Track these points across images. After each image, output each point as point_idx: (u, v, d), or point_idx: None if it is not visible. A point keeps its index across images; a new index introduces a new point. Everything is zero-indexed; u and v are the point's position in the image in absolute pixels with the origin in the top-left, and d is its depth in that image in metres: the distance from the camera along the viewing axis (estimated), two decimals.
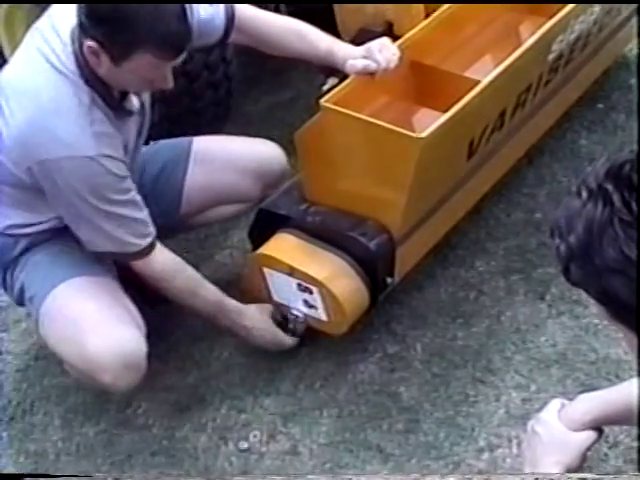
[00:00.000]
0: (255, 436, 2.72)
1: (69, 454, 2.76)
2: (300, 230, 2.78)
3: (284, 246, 2.78)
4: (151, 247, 2.57)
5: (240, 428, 2.75)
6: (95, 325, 2.53)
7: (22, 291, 2.65)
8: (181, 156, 2.89)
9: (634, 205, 1.29)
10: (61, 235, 2.58)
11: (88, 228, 2.50)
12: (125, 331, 2.54)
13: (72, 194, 2.41)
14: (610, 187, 1.32)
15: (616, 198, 1.31)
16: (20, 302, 2.71)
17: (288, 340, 2.82)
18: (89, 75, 2.38)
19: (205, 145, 2.93)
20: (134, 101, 2.55)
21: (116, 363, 2.49)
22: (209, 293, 2.71)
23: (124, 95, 2.50)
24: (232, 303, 2.75)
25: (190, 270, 2.68)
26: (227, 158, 2.90)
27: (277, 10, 3.62)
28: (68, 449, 2.77)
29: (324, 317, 2.75)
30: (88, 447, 2.77)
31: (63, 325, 2.56)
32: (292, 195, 2.87)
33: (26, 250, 2.62)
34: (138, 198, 2.53)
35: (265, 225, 2.85)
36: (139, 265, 2.58)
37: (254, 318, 2.77)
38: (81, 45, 2.34)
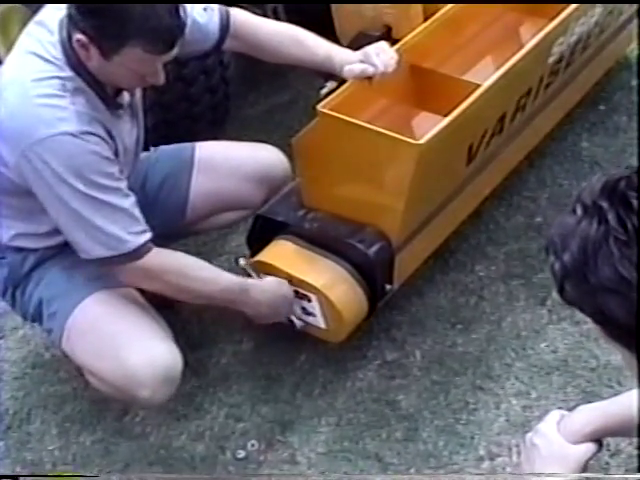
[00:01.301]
0: (253, 445, 2.70)
1: (66, 463, 2.74)
2: (298, 237, 2.76)
3: (282, 253, 2.76)
4: (148, 248, 2.46)
5: (238, 437, 2.73)
6: (132, 340, 2.50)
7: (40, 307, 2.61)
8: (184, 164, 2.86)
9: (629, 223, 1.27)
10: (69, 249, 2.54)
11: (79, 228, 2.40)
12: (162, 345, 2.51)
13: (56, 181, 2.33)
14: (605, 204, 1.30)
15: (611, 216, 1.28)
16: (35, 318, 2.66)
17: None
18: (77, 66, 2.34)
19: (208, 152, 2.90)
20: (127, 98, 2.52)
21: (156, 378, 2.46)
22: (218, 273, 2.62)
23: (117, 92, 2.47)
24: (242, 280, 2.67)
25: (190, 257, 2.60)
26: (231, 165, 2.87)
27: (275, 13, 3.60)
28: (65, 458, 2.75)
29: (322, 325, 2.73)
30: (85, 456, 2.75)
31: (97, 340, 2.52)
32: (290, 201, 2.85)
33: (36, 266, 2.60)
34: (128, 191, 2.44)
35: (263, 231, 2.83)
36: (139, 267, 2.47)
37: (265, 289, 2.68)
38: (70, 38, 2.31)
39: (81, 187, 2.34)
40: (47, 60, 2.35)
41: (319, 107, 2.57)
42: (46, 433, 2.82)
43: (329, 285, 2.68)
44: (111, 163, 2.40)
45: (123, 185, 2.43)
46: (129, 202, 2.43)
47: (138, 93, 2.60)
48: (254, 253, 2.83)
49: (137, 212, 2.45)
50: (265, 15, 3.63)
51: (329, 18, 3.30)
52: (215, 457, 2.69)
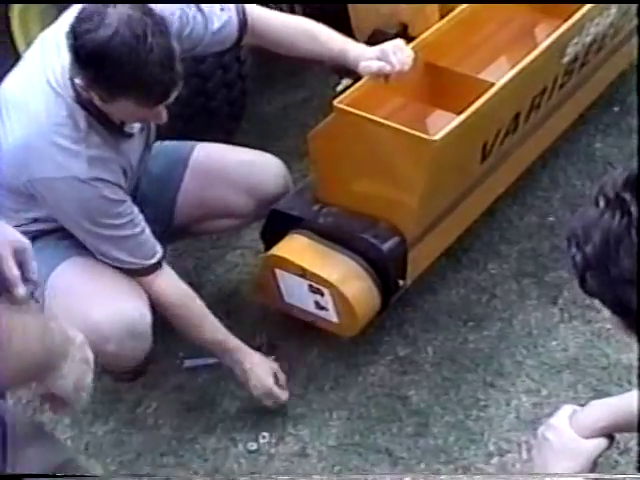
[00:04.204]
0: (264, 437, 2.71)
1: (78, 453, 2.75)
2: (312, 231, 2.77)
3: (296, 247, 2.77)
4: (154, 267, 2.57)
5: (249, 429, 2.74)
6: (99, 296, 2.54)
7: None
8: (179, 164, 2.87)
9: None
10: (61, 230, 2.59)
11: (91, 247, 2.54)
12: (128, 301, 2.55)
13: (64, 215, 2.47)
14: (628, 197, 1.31)
15: (634, 208, 1.29)
16: None
17: (282, 396, 2.73)
18: (85, 102, 2.38)
19: (205, 155, 2.88)
20: (138, 126, 2.56)
21: (120, 331, 2.50)
22: (215, 327, 2.68)
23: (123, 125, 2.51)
24: (238, 343, 2.71)
25: (199, 301, 2.66)
26: (222, 173, 2.85)
27: (292, 11, 3.61)
28: (77, 448, 2.76)
29: (335, 319, 2.74)
30: (97, 446, 2.77)
31: (68, 298, 2.55)
32: (305, 196, 2.86)
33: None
34: (138, 219, 2.53)
35: (277, 226, 2.84)
36: (145, 285, 2.58)
37: (255, 364, 2.69)
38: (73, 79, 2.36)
39: (87, 225, 2.45)
40: (59, 95, 2.38)
41: (335, 102, 2.59)
42: (59, 423, 2.83)
43: (342, 280, 2.69)
44: (121, 203, 2.48)
45: (132, 216, 2.50)
46: (136, 231, 2.51)
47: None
48: (268, 247, 2.84)
49: (145, 237, 2.54)
50: None
51: (345, 16, 3.31)
52: (227, 449, 2.70)
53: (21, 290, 1.88)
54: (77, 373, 1.75)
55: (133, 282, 2.60)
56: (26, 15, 3.45)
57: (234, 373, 2.71)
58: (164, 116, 2.40)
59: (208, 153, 2.90)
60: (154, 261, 2.56)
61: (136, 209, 2.53)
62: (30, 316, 1.75)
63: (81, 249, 2.58)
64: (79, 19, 2.24)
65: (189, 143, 2.91)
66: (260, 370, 2.69)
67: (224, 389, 2.85)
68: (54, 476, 1.79)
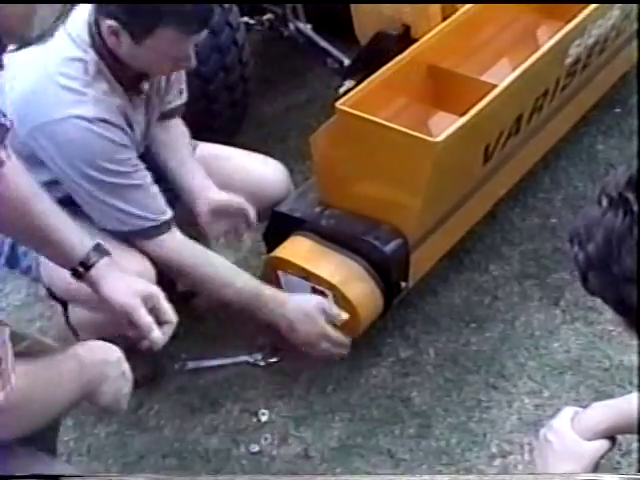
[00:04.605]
0: (266, 439, 2.71)
1: (81, 455, 2.76)
2: (314, 233, 2.77)
3: (298, 249, 2.77)
4: (168, 225, 2.47)
5: (252, 431, 2.74)
6: None
7: (26, 257, 2.59)
8: None
9: None
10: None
11: (95, 203, 2.42)
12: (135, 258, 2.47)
13: (64, 163, 2.35)
14: (631, 196, 1.31)
15: (636, 208, 1.30)
16: (26, 271, 2.63)
17: (343, 338, 2.62)
18: (101, 49, 2.34)
19: (205, 157, 2.84)
20: (146, 86, 2.51)
21: None
22: (245, 277, 2.57)
23: (138, 79, 2.46)
24: (274, 290, 2.60)
25: (218, 255, 2.59)
26: (223, 176, 2.80)
27: (294, 12, 3.62)
28: (80, 450, 2.77)
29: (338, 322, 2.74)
30: (99, 448, 2.77)
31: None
32: (307, 198, 2.86)
33: None
34: (145, 172, 2.45)
35: (280, 227, 2.84)
36: (156, 247, 2.47)
37: (300, 305, 2.59)
38: (97, 23, 2.32)
39: (93, 173, 2.35)
40: (73, 39, 2.35)
41: (337, 104, 2.59)
42: (61, 424, 2.84)
43: (345, 281, 2.69)
44: (127, 149, 2.41)
45: (140, 167, 2.44)
46: (146, 181, 2.44)
47: (156, 84, 2.58)
48: (271, 249, 2.84)
49: (154, 190, 2.46)
50: (284, 15, 3.67)
51: (348, 17, 3.31)
52: (229, 451, 2.70)
53: (155, 334, 1.94)
54: (115, 388, 1.87)
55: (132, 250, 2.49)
56: None
57: (278, 329, 2.60)
58: (194, 59, 2.37)
59: (209, 155, 2.87)
60: (168, 217, 2.47)
61: (142, 165, 2.45)
62: (63, 360, 1.79)
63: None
64: None
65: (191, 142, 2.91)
66: (308, 309, 2.59)
67: (226, 391, 2.85)
68: (55, 476, 1.80)
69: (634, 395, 1.98)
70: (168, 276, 2.76)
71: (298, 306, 2.61)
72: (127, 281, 2.06)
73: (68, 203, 2.36)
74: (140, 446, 2.77)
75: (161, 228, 2.48)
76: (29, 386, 1.62)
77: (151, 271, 2.48)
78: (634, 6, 3.22)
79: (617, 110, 3.64)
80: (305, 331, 2.60)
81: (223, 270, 2.59)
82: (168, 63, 2.40)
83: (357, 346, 2.85)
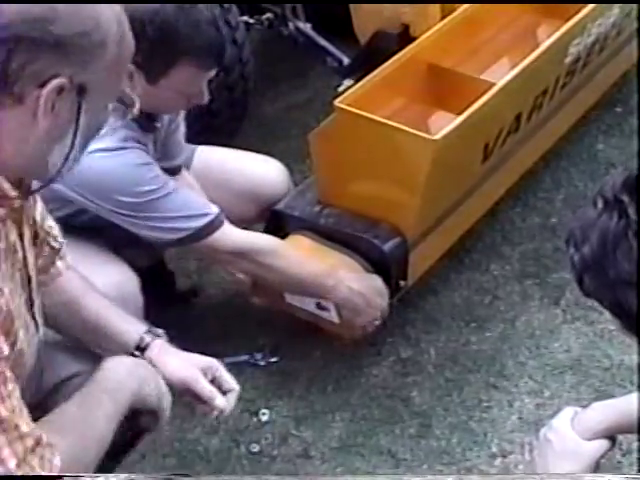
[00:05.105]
0: (267, 439, 2.71)
1: None
2: (313, 232, 2.77)
3: (297, 248, 2.76)
4: (220, 217, 2.46)
5: (252, 431, 2.73)
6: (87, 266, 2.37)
7: None
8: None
9: None
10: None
11: (141, 223, 2.40)
12: (115, 267, 2.47)
13: (102, 199, 2.35)
14: (626, 199, 1.31)
15: (632, 210, 1.29)
16: None
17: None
18: None
19: (205, 159, 2.85)
20: (159, 123, 2.52)
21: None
22: (300, 257, 2.62)
23: (150, 118, 2.46)
24: (326, 267, 2.63)
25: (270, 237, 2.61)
26: (223, 177, 2.82)
27: (294, 12, 3.62)
28: None
29: (337, 320, 2.73)
30: None
31: None
32: (306, 196, 2.86)
33: None
34: (172, 181, 2.46)
35: (279, 226, 2.84)
36: (220, 240, 2.46)
37: (361, 278, 2.65)
38: None
39: (128, 200, 2.35)
40: None
41: (336, 102, 2.58)
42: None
43: None
44: (151, 167, 2.40)
45: (168, 178, 2.44)
46: (177, 187, 2.43)
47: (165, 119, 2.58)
48: None
49: (189, 192, 2.49)
50: (284, 15, 3.67)
51: (347, 17, 3.31)
52: (229, 450, 2.70)
53: (219, 401, 2.04)
54: (153, 387, 1.97)
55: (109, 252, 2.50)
56: None
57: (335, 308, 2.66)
58: (206, 95, 2.39)
59: (209, 157, 2.88)
60: (218, 209, 2.46)
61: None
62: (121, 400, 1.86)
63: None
64: None
65: (190, 146, 2.90)
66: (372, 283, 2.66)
67: None
68: (58, 476, 1.80)
69: (634, 395, 1.97)
70: (170, 277, 2.76)
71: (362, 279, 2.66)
72: (183, 356, 2.11)
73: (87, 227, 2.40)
74: (140, 446, 2.75)
75: (219, 218, 2.46)
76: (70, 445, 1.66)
77: (134, 279, 2.48)
78: (634, 5, 3.22)
79: (618, 109, 3.64)
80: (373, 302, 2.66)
81: (282, 248, 2.61)
82: (182, 101, 2.41)
83: (357, 346, 2.86)
